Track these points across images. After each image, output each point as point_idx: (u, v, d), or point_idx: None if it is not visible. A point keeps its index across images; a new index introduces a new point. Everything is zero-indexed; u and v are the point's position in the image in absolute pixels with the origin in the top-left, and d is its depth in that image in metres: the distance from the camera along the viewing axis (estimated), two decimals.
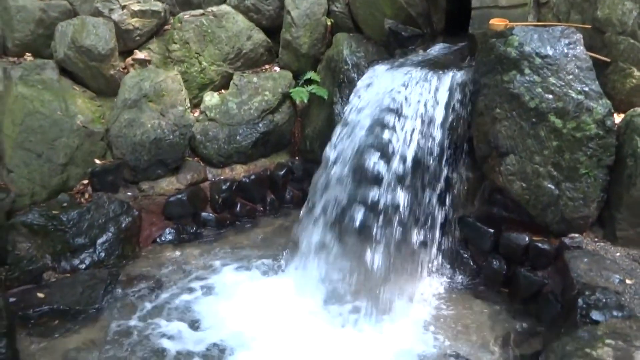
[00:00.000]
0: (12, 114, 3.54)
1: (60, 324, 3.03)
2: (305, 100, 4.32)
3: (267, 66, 4.67)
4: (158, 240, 3.96)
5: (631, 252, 2.74)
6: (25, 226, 3.42)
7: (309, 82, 4.42)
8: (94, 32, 3.82)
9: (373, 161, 3.20)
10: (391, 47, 4.07)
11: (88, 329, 3.01)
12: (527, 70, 2.89)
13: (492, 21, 3.16)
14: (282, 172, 4.49)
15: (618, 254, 2.74)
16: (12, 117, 3.53)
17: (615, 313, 2.17)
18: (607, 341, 1.90)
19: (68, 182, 3.73)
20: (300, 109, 4.64)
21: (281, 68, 4.61)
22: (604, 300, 2.25)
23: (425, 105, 3.25)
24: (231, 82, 4.41)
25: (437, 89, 3.24)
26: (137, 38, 4.21)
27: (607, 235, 2.91)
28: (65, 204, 3.61)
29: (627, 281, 2.48)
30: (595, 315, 2.19)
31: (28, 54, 3.90)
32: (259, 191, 4.42)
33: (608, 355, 1.83)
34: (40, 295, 3.20)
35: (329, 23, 4.45)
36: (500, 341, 2.83)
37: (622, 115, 2.95)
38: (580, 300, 2.29)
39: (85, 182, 3.82)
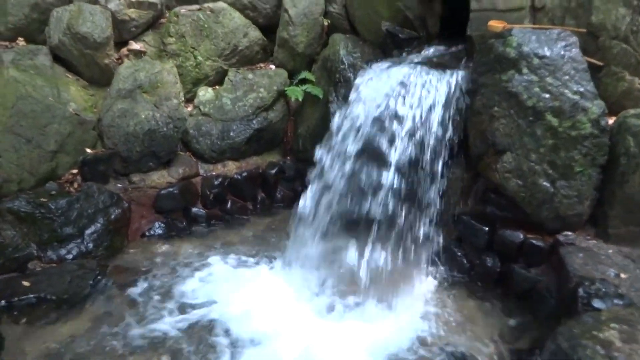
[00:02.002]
0: (3, 97, 3.45)
1: (47, 312, 2.94)
2: (300, 99, 4.33)
3: (262, 64, 4.67)
4: (147, 233, 3.89)
5: (623, 249, 2.80)
6: (12, 213, 3.31)
7: (304, 81, 4.43)
8: (91, 19, 3.77)
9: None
10: (387, 49, 4.12)
11: (75, 318, 2.92)
12: (525, 70, 2.96)
13: (490, 22, 3.23)
14: (274, 171, 4.48)
15: (610, 251, 2.80)
16: (2, 101, 3.44)
17: (615, 301, 2.21)
18: (612, 325, 1.94)
19: (57, 170, 3.64)
20: (293, 109, 4.64)
21: (276, 67, 4.62)
22: (604, 289, 2.29)
23: (423, 101, 3.30)
24: (226, 78, 4.39)
25: (436, 88, 3.29)
26: (133, 29, 4.17)
27: (599, 233, 2.97)
28: (53, 192, 3.52)
29: (622, 275, 2.53)
30: (597, 303, 2.23)
31: (21, 38, 3.82)
32: (250, 189, 4.39)
33: (614, 337, 1.86)
34: (26, 283, 3.10)
35: (325, 23, 4.49)
36: (495, 336, 2.84)
37: (615, 118, 3.03)
38: (580, 290, 2.33)
39: (75, 171, 3.73)
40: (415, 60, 3.57)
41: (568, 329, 1.96)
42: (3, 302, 2.96)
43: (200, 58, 4.33)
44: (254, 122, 4.33)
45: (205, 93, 4.33)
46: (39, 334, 2.76)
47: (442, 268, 3.41)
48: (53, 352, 2.63)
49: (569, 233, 2.98)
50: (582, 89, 2.89)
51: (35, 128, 3.51)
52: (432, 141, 3.33)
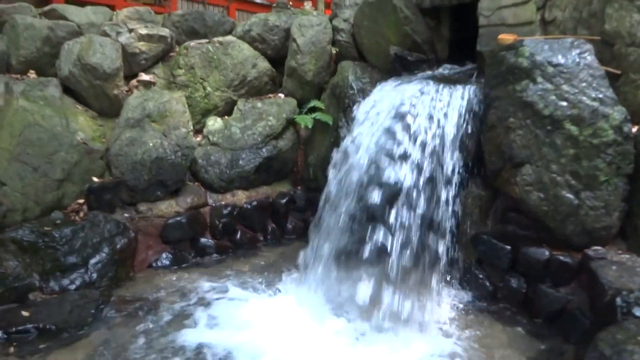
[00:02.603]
0: (10, 126, 3.44)
1: (46, 342, 2.76)
2: (310, 126, 4.29)
3: (271, 95, 4.67)
4: (154, 264, 3.76)
5: None
6: (15, 242, 3.21)
7: (313, 110, 4.41)
8: (101, 50, 3.82)
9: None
10: (396, 73, 4.09)
11: (75, 348, 2.73)
12: (539, 79, 2.87)
13: (500, 36, 3.19)
14: (284, 201, 4.39)
15: None
16: (10, 130, 3.43)
17: None
18: None
19: (63, 199, 3.57)
20: (303, 138, 4.60)
21: (285, 96, 4.61)
22: None
23: (436, 118, 3.21)
24: (235, 107, 4.38)
25: (448, 103, 3.21)
26: (143, 62, 4.21)
27: (631, 247, 2.78)
28: (58, 221, 3.43)
29: None
30: (639, 311, 2.02)
31: (32, 71, 3.86)
32: (260, 219, 4.28)
33: None
34: (25, 313, 2.95)
35: (334, 52, 4.50)
36: None
37: (638, 127, 2.90)
38: (618, 299, 2.12)
39: (81, 201, 3.66)
40: (426, 75, 3.51)
41: (610, 335, 1.76)
42: (0, 332, 2.80)
43: (209, 89, 4.33)
44: (264, 150, 4.27)
45: (214, 123, 4.30)
46: None
47: (463, 292, 3.21)
48: None
49: (599, 248, 2.79)
50: (601, 95, 2.78)
51: (42, 156, 3.47)
52: (447, 158, 3.22)
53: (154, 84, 4.17)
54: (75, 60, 3.77)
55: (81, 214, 3.60)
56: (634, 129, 2.86)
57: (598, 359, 1.73)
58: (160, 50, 4.29)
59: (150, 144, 3.81)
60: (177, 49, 4.45)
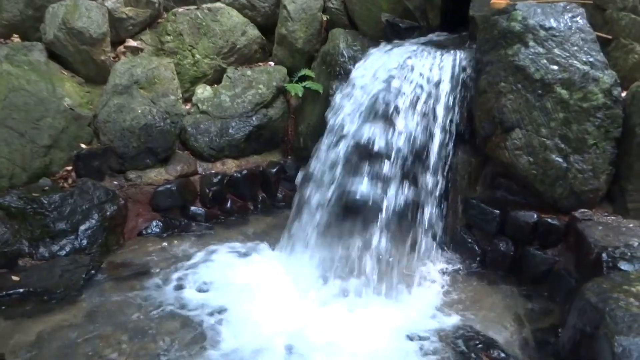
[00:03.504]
0: None
1: (36, 305, 2.77)
2: (300, 95, 4.25)
3: (260, 63, 4.61)
4: (144, 232, 3.73)
5: None
6: (2, 209, 3.18)
7: (303, 78, 4.36)
8: (87, 14, 3.72)
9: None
10: (388, 40, 4.05)
11: (65, 311, 2.74)
12: (531, 43, 2.87)
13: (493, 0, 3.17)
14: (275, 170, 4.36)
15: (631, 225, 2.64)
16: None
17: None
18: None
19: (51, 166, 3.52)
20: (293, 107, 4.56)
21: (275, 65, 4.56)
22: (630, 253, 2.13)
23: (426, 84, 3.21)
24: (224, 75, 4.32)
25: (439, 68, 3.20)
26: (130, 28, 4.12)
27: (617, 209, 2.83)
28: (46, 188, 3.39)
29: None
30: (624, 265, 2.07)
31: (15, 35, 3.76)
32: (250, 188, 4.26)
33: None
34: (15, 278, 2.94)
35: (324, 19, 4.44)
36: (513, 318, 2.67)
37: (626, 92, 2.93)
38: (604, 255, 2.17)
39: (69, 168, 3.62)
40: (418, 42, 3.48)
41: (597, 285, 1.81)
42: None
43: (198, 56, 4.26)
44: (253, 118, 4.24)
45: (203, 91, 4.25)
46: (27, 326, 2.58)
47: (453, 256, 3.25)
48: (44, 341, 2.45)
49: (586, 210, 2.84)
50: (591, 59, 2.79)
51: (28, 122, 3.41)
52: (437, 125, 3.23)
53: (141, 50, 4.09)
54: (61, 25, 3.67)
55: (69, 181, 3.56)
56: (623, 94, 2.89)
57: (585, 306, 1.77)
58: (148, 15, 4.20)
59: (139, 111, 3.75)
60: (165, 15, 4.36)
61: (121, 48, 4.05)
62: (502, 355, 2.35)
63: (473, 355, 2.38)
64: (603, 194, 2.86)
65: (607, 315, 1.71)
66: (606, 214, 2.84)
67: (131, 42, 4.05)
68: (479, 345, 2.43)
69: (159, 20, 4.36)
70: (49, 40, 3.72)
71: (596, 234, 2.46)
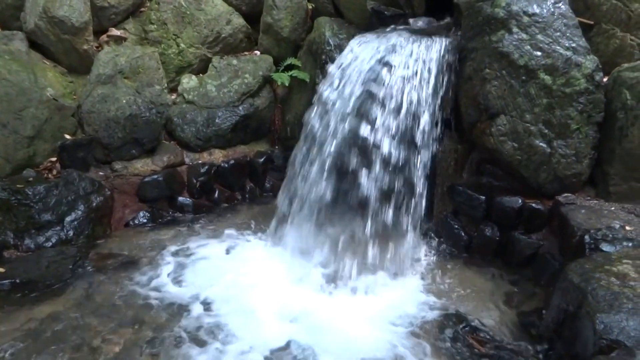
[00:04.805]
0: None
1: (23, 297, 2.74)
2: (287, 84, 4.24)
3: (246, 53, 4.59)
4: (131, 223, 3.71)
5: (626, 205, 2.71)
6: None
7: (290, 67, 4.35)
8: (68, 3, 3.67)
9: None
10: (373, 28, 4.05)
11: (52, 301, 2.71)
12: (515, 29, 2.89)
13: None
14: (262, 160, 4.35)
15: (613, 208, 2.70)
16: None
17: (625, 244, 2.10)
18: (625, 261, 1.82)
19: (35, 157, 3.48)
20: (280, 96, 4.55)
21: (261, 54, 4.54)
22: (611, 235, 2.18)
23: (412, 72, 3.22)
24: (210, 65, 4.30)
25: (424, 57, 3.21)
26: (113, 16, 4.07)
27: (600, 193, 2.88)
28: (30, 179, 3.35)
29: (627, 227, 2.42)
30: (606, 247, 2.11)
31: None
32: (238, 178, 4.26)
33: (629, 270, 1.74)
34: (1, 270, 2.91)
35: (309, 8, 4.43)
36: (498, 302, 2.72)
37: (608, 77, 2.97)
38: (587, 237, 2.22)
39: (54, 159, 3.58)
40: (403, 30, 3.49)
41: (579, 265, 1.84)
42: None
43: (183, 45, 4.23)
44: (240, 108, 4.22)
45: (189, 80, 4.22)
46: (15, 316, 2.56)
47: (439, 242, 3.29)
48: (31, 332, 2.43)
49: (569, 195, 2.89)
50: (574, 45, 2.83)
51: (10, 112, 3.36)
52: (421, 111, 3.24)
53: (125, 39, 4.05)
54: (41, 13, 3.61)
55: (54, 172, 3.53)
56: (605, 79, 2.93)
57: (568, 286, 1.81)
58: (131, 4, 4.14)
59: (124, 101, 3.72)
60: (149, 4, 4.31)
61: (104, 37, 4.00)
62: (488, 337, 2.39)
63: (460, 338, 2.41)
64: (586, 178, 2.91)
65: (589, 294, 1.75)
66: (589, 197, 2.89)
67: (114, 31, 4.00)
68: (466, 329, 2.47)
69: (142, 9, 4.31)
70: (30, 29, 3.66)
71: (579, 218, 2.51)
